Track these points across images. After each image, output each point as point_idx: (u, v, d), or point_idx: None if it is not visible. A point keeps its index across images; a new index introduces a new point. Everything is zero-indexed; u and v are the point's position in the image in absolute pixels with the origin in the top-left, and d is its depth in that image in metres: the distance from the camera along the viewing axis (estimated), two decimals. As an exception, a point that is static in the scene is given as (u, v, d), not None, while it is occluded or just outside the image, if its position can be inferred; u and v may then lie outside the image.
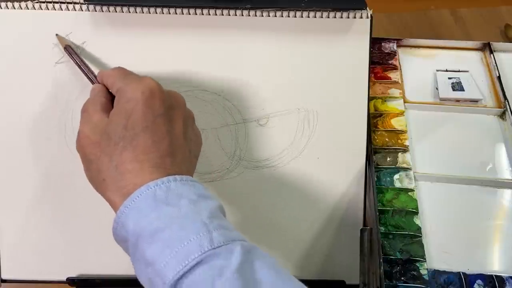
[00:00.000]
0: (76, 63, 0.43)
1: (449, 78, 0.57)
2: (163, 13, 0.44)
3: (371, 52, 0.47)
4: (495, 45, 0.60)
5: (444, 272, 0.42)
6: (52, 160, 0.46)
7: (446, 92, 0.55)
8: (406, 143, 0.50)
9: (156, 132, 0.34)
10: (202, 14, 0.45)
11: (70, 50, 0.43)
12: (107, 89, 0.39)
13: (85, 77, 0.42)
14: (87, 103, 0.38)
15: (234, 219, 0.47)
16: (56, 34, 0.44)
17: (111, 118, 0.35)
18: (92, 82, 0.41)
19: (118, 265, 0.46)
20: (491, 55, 0.59)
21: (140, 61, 0.45)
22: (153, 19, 0.45)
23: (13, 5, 0.44)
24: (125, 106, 0.35)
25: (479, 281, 0.42)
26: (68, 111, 0.46)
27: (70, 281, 0.47)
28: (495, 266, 0.44)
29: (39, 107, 0.45)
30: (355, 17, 0.45)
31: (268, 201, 0.48)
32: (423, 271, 0.42)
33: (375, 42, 0.59)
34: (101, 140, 0.35)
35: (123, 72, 0.39)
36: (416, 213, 0.45)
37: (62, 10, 0.44)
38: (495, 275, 0.42)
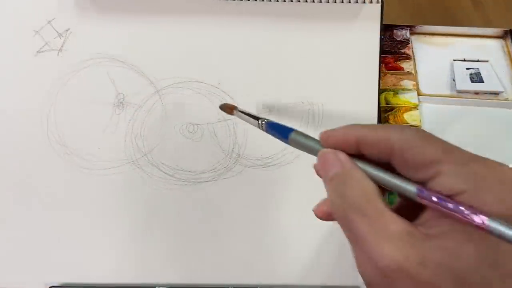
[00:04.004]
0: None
1: (467, 69, 0.56)
2: (154, -3, 0.44)
3: (381, 40, 0.46)
4: (518, 32, 0.60)
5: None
6: (33, 158, 0.46)
7: (464, 83, 0.55)
8: (420, 139, 0.50)
9: None
10: (197, -2, 0.45)
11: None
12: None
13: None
14: (348, 194, 0.25)
15: (233, 223, 0.47)
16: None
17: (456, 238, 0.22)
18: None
19: (104, 272, 0.46)
20: (514, 43, 0.59)
21: (129, 49, 0.45)
22: (143, 3, 0.44)
23: (-10, -11, 0.44)
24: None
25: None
26: (51, 105, 0.45)
27: (52, 289, 0.47)
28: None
29: (18, 100, 0.45)
30: (364, 2, 0.45)
31: (270, 202, 0.47)
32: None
33: (386, 29, 0.59)
34: (445, 285, 0.22)
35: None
36: (431, 216, 0.45)
37: (43, -6, 0.44)
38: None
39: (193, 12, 0.45)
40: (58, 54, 0.45)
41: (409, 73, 0.56)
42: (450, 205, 0.21)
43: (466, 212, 0.21)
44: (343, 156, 0.26)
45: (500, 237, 0.20)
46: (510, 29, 0.60)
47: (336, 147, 0.26)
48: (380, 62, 0.47)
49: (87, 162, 0.46)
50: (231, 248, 0.46)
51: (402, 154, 0.24)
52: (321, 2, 0.45)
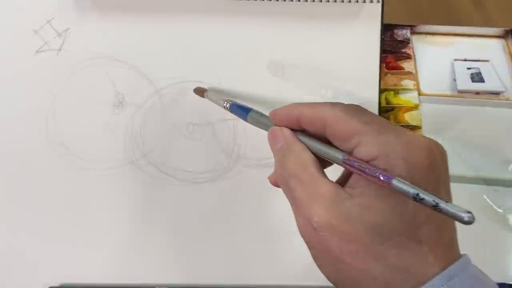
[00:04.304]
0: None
1: (468, 68, 0.56)
2: (153, -4, 0.44)
3: (382, 40, 0.46)
4: (519, 32, 0.59)
5: (462, 281, 0.42)
6: (32, 158, 0.46)
7: (465, 83, 0.55)
8: (421, 139, 0.50)
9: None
10: (197, -3, 0.44)
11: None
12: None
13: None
14: (288, 165, 0.29)
15: (232, 223, 0.47)
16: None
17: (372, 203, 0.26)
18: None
19: (103, 272, 0.46)
20: (515, 43, 0.58)
21: (128, 49, 0.45)
22: (143, 3, 0.44)
23: (-12, -12, 0.44)
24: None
25: (500, 291, 0.42)
26: (50, 105, 0.45)
27: (52, 290, 0.47)
28: (518, 274, 0.43)
29: (17, 99, 0.45)
30: (364, 1, 0.45)
31: (269, 202, 0.47)
32: (439, 280, 0.42)
33: (386, 29, 0.58)
34: (362, 235, 0.25)
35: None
36: (432, 216, 0.45)
37: (43, -7, 0.44)
38: (518, 285, 0.42)
39: (193, 12, 0.45)
40: (57, 54, 0.45)
41: (409, 73, 0.55)
42: (366, 169, 0.25)
43: (377, 173, 0.25)
44: (286, 132, 0.30)
45: (402, 193, 0.24)
46: (511, 29, 0.59)
47: (283, 124, 0.30)
48: (381, 61, 0.47)
49: (86, 162, 0.46)
50: (231, 248, 0.46)
51: (332, 127, 0.27)
52: (321, 2, 0.45)
